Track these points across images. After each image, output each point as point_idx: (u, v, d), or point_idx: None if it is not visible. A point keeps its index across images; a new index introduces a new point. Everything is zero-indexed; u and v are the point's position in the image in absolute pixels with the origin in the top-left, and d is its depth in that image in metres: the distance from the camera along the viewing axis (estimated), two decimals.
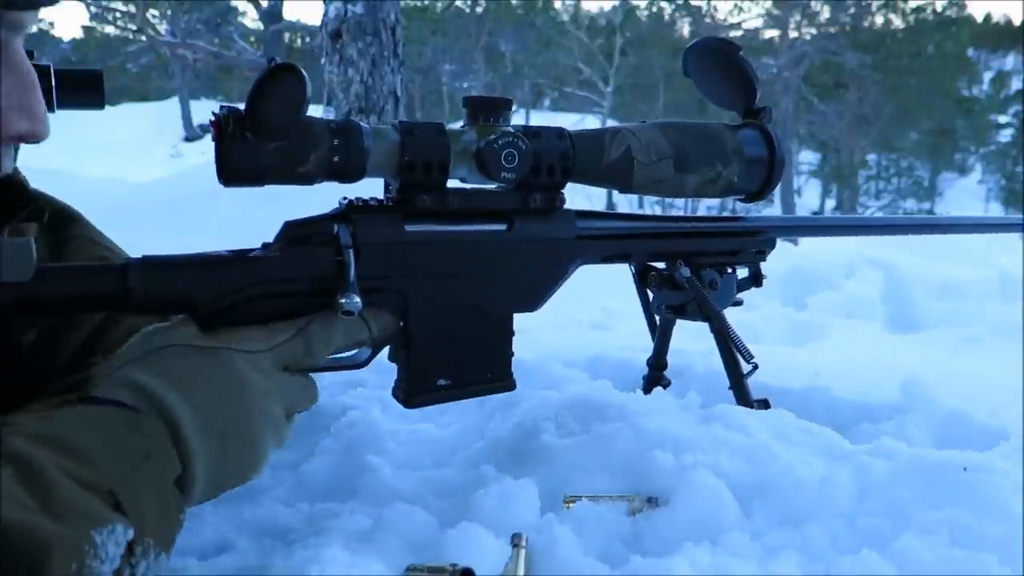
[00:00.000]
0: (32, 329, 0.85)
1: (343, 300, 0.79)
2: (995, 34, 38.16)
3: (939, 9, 24.07)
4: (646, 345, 1.28)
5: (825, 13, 23.73)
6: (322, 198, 0.90)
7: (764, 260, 1.18)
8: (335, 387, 1.32)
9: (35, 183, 0.82)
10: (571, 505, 0.89)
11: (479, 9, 24.09)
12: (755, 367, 1.12)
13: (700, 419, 1.03)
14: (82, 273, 0.76)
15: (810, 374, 1.47)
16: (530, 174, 0.90)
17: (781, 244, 1.19)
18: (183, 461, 0.69)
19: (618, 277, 1.21)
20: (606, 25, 26.10)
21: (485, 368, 0.95)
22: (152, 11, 15.67)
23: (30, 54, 0.73)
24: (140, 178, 6.84)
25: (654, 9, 26.91)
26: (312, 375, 0.83)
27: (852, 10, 23.56)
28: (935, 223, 1.48)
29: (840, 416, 1.29)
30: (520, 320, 0.97)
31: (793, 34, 23.42)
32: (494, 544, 0.82)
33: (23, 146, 0.76)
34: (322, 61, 4.96)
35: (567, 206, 0.96)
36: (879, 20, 24.37)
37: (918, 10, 23.73)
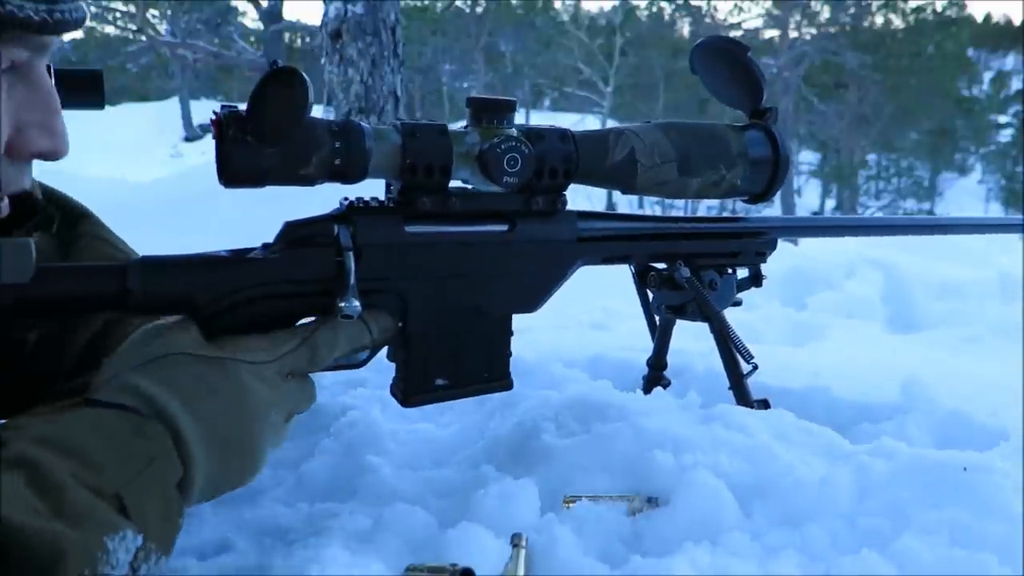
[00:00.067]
0: (33, 329, 0.85)
1: (343, 304, 0.79)
2: (995, 34, 38.15)
3: (939, 9, 24.06)
4: (646, 345, 1.28)
5: (825, 13, 23.72)
6: (323, 198, 0.90)
7: (764, 261, 1.18)
8: (335, 387, 1.32)
9: None
10: (571, 505, 0.89)
11: (479, 9, 24.08)
12: (755, 367, 1.12)
13: (700, 419, 1.03)
14: (81, 273, 0.76)
15: (810, 374, 1.47)
16: (533, 177, 0.89)
17: (781, 244, 1.19)
18: (183, 465, 0.69)
19: (618, 277, 1.21)
20: (606, 25, 26.08)
21: (483, 368, 0.95)
22: (152, 11, 15.66)
23: None
24: (140, 178, 6.84)
25: (654, 9, 26.90)
26: (310, 375, 0.83)
27: (852, 10, 23.54)
28: (935, 223, 1.47)
29: (840, 416, 1.29)
30: (520, 320, 0.97)
31: (793, 34, 23.41)
32: (494, 544, 0.82)
33: None
34: (322, 61, 4.96)
35: (569, 207, 0.96)
36: (879, 20, 24.36)
37: (918, 10, 23.71)
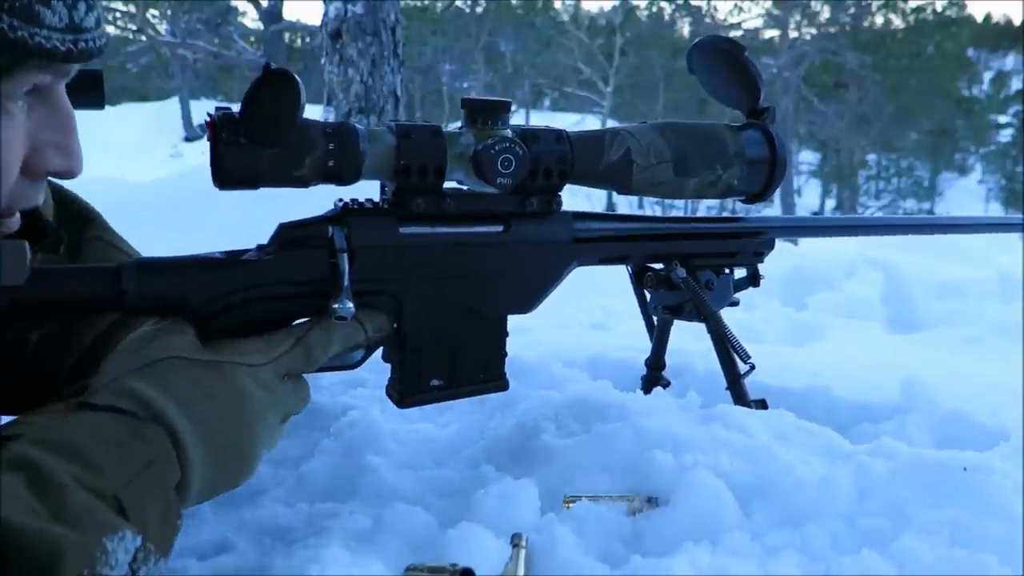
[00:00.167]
0: (35, 330, 0.85)
1: (336, 306, 0.79)
2: (995, 34, 38.15)
3: (939, 9, 24.07)
4: (646, 345, 1.28)
5: (825, 13, 23.73)
6: (322, 197, 0.90)
7: (762, 261, 1.17)
8: (335, 387, 1.32)
9: None
10: (571, 505, 0.89)
11: (479, 9, 24.07)
12: (752, 367, 1.12)
13: (700, 419, 1.03)
14: (76, 275, 0.76)
15: (810, 374, 1.47)
16: (527, 178, 0.89)
17: (781, 244, 1.18)
18: (181, 467, 0.69)
19: (618, 277, 1.21)
20: (606, 25, 26.07)
21: (479, 369, 0.95)
22: (152, 11, 15.67)
23: None
24: (140, 178, 6.83)
25: (654, 9, 26.90)
26: (306, 375, 0.83)
27: (852, 10, 23.54)
28: (935, 223, 1.48)
29: (840, 416, 1.29)
30: (520, 320, 0.97)
31: (793, 34, 23.42)
32: (494, 544, 0.82)
33: None
34: (322, 61, 4.96)
35: (565, 207, 0.96)
36: (879, 20, 24.37)
37: (918, 10, 23.72)
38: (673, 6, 27.28)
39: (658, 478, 0.92)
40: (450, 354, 0.92)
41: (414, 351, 0.90)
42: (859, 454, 0.97)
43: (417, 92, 22.51)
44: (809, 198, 27.20)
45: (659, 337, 1.25)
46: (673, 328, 1.25)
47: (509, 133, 0.89)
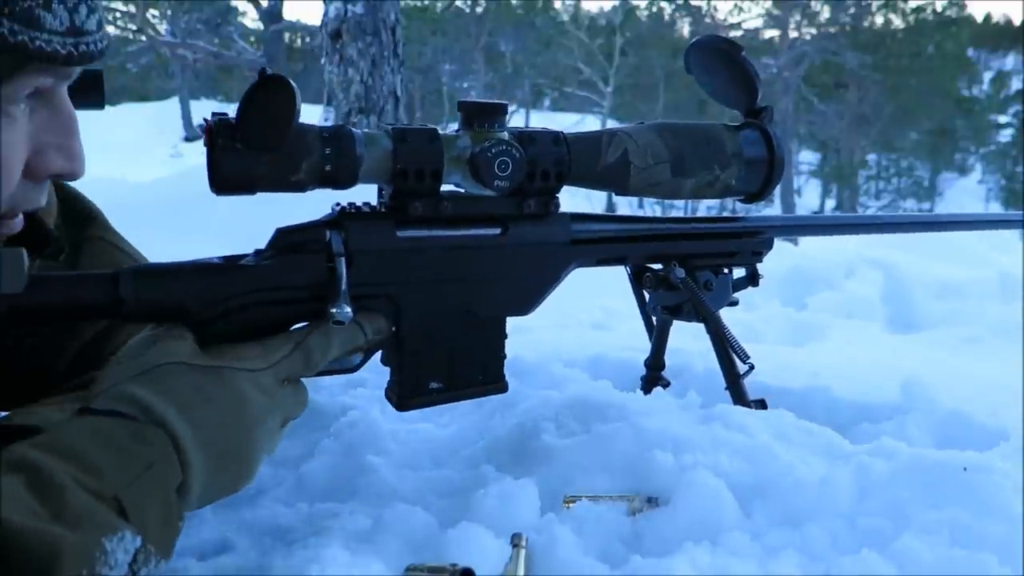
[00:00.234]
0: (33, 335, 0.85)
1: (334, 310, 0.79)
2: (995, 34, 38.14)
3: (939, 9, 24.08)
4: (646, 345, 1.28)
5: (825, 13, 23.73)
6: (320, 201, 0.90)
7: (761, 261, 1.17)
8: (335, 387, 1.32)
9: None
10: (571, 505, 0.89)
11: (479, 9, 24.08)
12: (751, 367, 1.12)
13: (700, 419, 1.03)
14: (74, 282, 0.76)
15: (810, 374, 1.47)
16: (524, 180, 0.89)
17: (781, 244, 1.19)
18: (182, 471, 0.69)
19: (618, 277, 1.21)
20: (606, 25, 26.07)
21: (477, 371, 0.95)
22: (152, 11, 15.67)
23: None
24: (140, 178, 6.82)
25: (654, 9, 26.91)
26: (304, 379, 0.83)
27: (852, 10, 23.54)
28: (935, 220, 1.48)
29: (840, 416, 1.29)
30: (520, 320, 0.97)
31: (793, 34, 23.42)
32: (494, 544, 0.82)
33: None
34: (322, 61, 4.96)
35: (563, 208, 0.96)
36: (879, 20, 24.38)
37: (918, 10, 23.73)
38: (673, 6, 27.30)
39: (658, 478, 0.92)
40: (449, 357, 0.92)
41: (413, 354, 0.90)
42: (859, 454, 0.97)
43: (417, 92, 22.50)
44: (809, 198, 27.20)
45: (658, 337, 1.25)
46: (672, 328, 1.25)
47: (506, 136, 0.89)
